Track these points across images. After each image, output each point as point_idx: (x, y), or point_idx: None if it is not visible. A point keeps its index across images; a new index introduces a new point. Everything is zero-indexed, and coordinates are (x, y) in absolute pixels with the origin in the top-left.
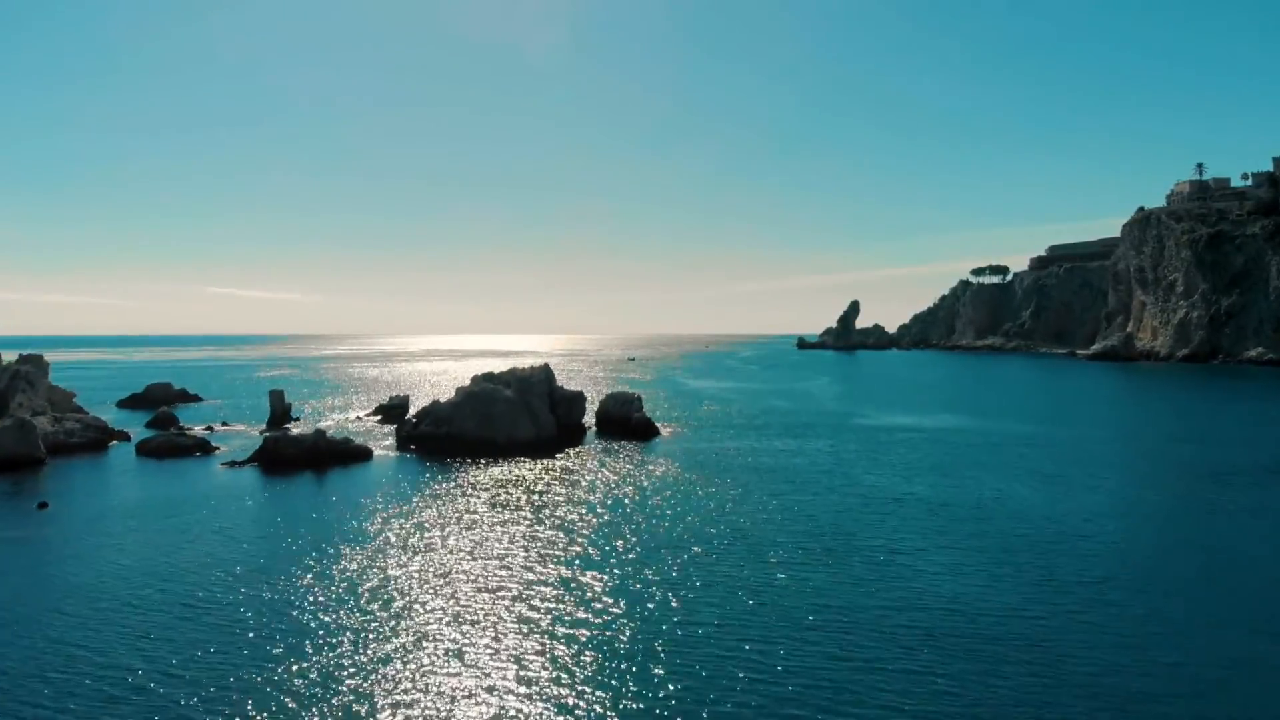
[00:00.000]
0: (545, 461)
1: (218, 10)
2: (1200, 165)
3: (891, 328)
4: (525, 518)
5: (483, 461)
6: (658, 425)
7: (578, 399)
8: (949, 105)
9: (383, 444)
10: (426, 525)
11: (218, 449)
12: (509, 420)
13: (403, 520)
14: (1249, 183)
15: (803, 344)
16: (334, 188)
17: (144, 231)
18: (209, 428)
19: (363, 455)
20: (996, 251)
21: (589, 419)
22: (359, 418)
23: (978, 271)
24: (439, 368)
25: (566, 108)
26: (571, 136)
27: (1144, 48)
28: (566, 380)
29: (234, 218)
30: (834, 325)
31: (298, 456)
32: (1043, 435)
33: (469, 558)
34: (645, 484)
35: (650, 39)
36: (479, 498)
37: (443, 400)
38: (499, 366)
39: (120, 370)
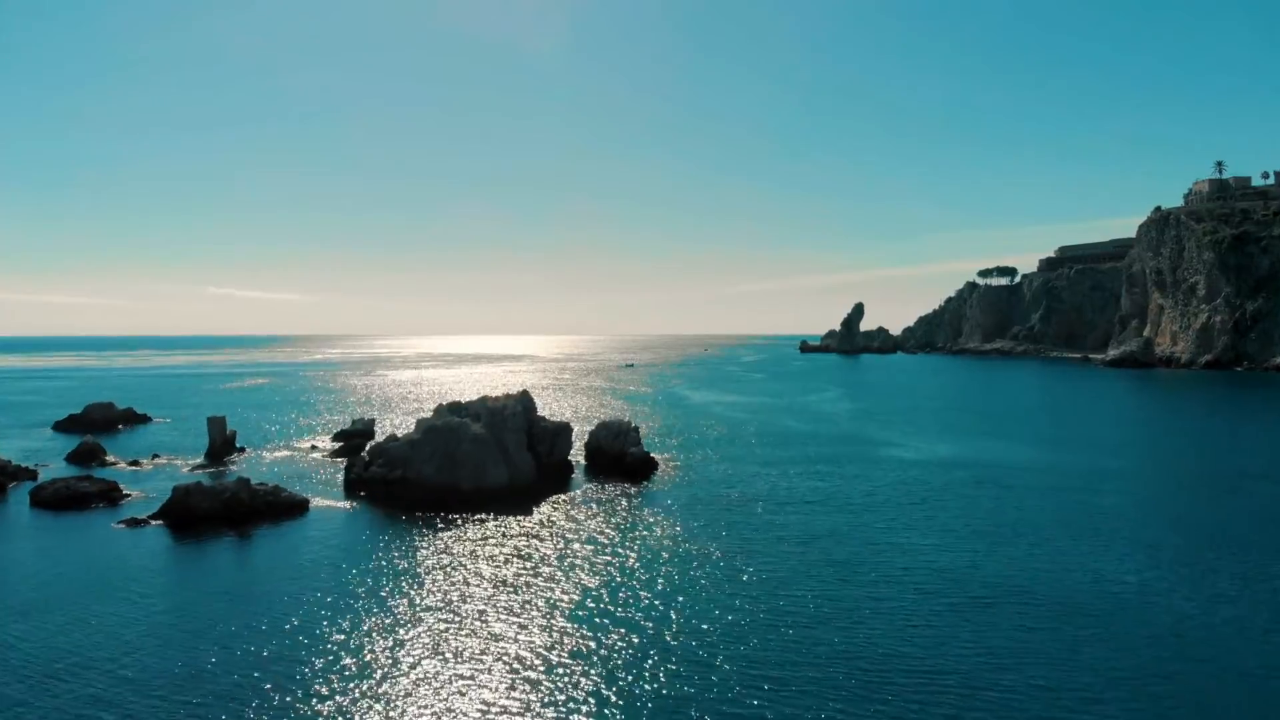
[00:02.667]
0: (519, 517)
1: (217, 11)
2: (1220, 164)
3: (894, 329)
4: (486, 604)
5: (442, 517)
6: (656, 459)
7: (562, 432)
8: (951, 104)
9: (328, 489)
10: (362, 620)
11: (127, 496)
12: (476, 462)
13: (331, 617)
14: (1270, 182)
15: (805, 347)
16: (334, 188)
17: (144, 232)
18: (135, 462)
19: (297, 509)
20: (1003, 252)
21: (576, 453)
22: (314, 447)
23: (985, 273)
24: (428, 376)
25: (567, 108)
26: (571, 136)
27: (1152, 47)
28: (558, 392)
29: (233, 218)
30: (837, 328)
31: (214, 512)
32: (1102, 472)
33: (413, 670)
34: (642, 550)
35: (650, 39)
36: (431, 576)
37: (403, 433)
38: (493, 372)
39: (85, 380)
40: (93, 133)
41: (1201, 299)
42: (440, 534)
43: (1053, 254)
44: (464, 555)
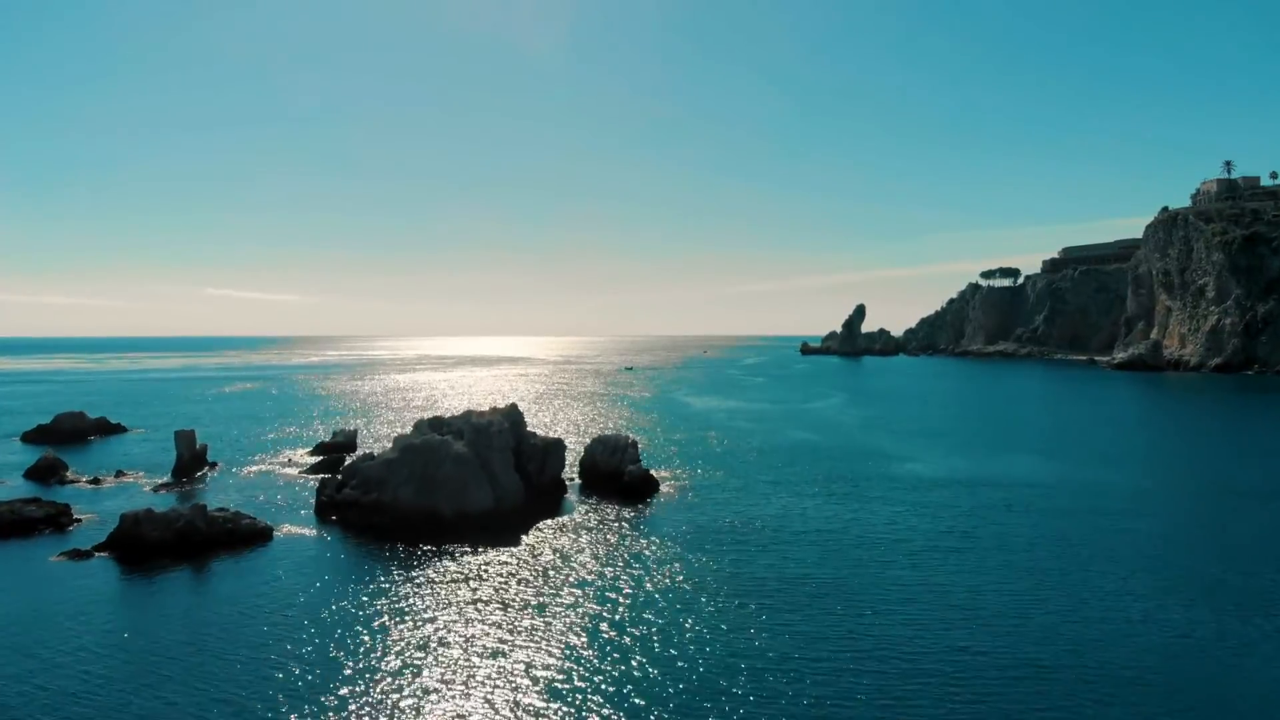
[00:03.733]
0: (504, 548)
1: (216, 12)
2: (1228, 163)
3: (895, 330)
4: (464, 650)
5: (420, 546)
6: (656, 476)
7: (554, 450)
8: (952, 104)
9: (297, 512)
10: (323, 667)
11: (78, 521)
12: (458, 485)
13: (289, 664)
14: None
15: (806, 349)
16: (334, 189)
17: (143, 233)
18: (95, 480)
19: (259, 537)
20: (1005, 253)
21: (571, 468)
22: (290, 461)
23: (987, 274)
24: (422, 380)
25: (567, 108)
26: (571, 137)
27: (1155, 47)
28: (553, 398)
29: (233, 219)
30: (838, 329)
31: (166, 542)
32: (1139, 492)
33: None
34: (638, 590)
35: (650, 40)
36: (403, 616)
37: (386, 447)
38: (488, 376)
39: (68, 385)
40: (92, 133)
41: (1211, 301)
42: (417, 566)
43: (1056, 255)
44: (442, 593)
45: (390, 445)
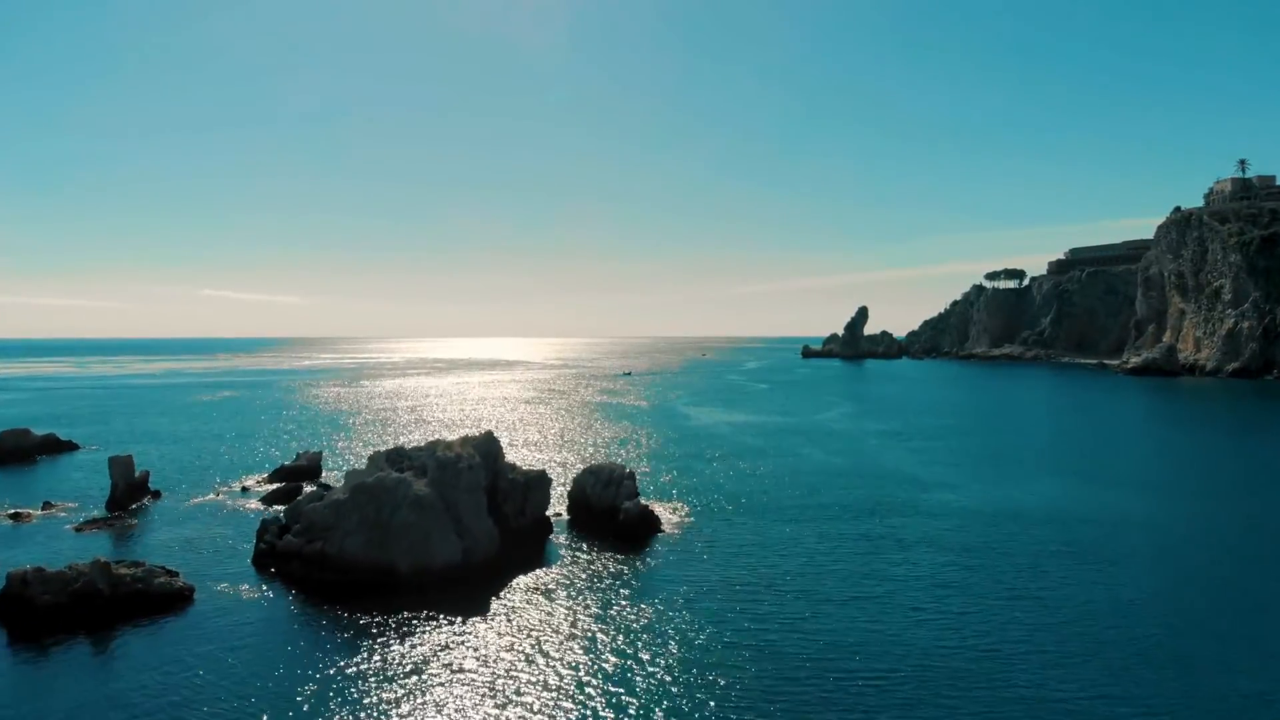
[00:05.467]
0: (472, 616)
1: (215, 12)
2: (1243, 162)
3: (897, 332)
4: None
5: (371, 614)
6: (657, 510)
7: (536, 485)
8: (953, 105)
9: (231, 562)
10: None
11: None
12: (419, 534)
13: None
14: None
15: (807, 352)
16: (333, 190)
17: (139, 234)
18: (17, 515)
19: (176, 600)
20: (1008, 254)
21: (558, 501)
22: (245, 488)
23: (992, 275)
24: (409, 387)
25: (567, 109)
26: (572, 138)
27: (1160, 47)
28: (543, 409)
29: (231, 219)
30: (840, 332)
31: (61, 607)
32: (1216, 530)
33: None
34: (636, 672)
35: (649, 41)
36: (342, 703)
37: (338, 482)
38: (479, 381)
39: (36, 394)
40: (91, 134)
41: (1228, 303)
42: (364, 639)
43: (1063, 256)
44: (391, 674)
45: (344, 479)
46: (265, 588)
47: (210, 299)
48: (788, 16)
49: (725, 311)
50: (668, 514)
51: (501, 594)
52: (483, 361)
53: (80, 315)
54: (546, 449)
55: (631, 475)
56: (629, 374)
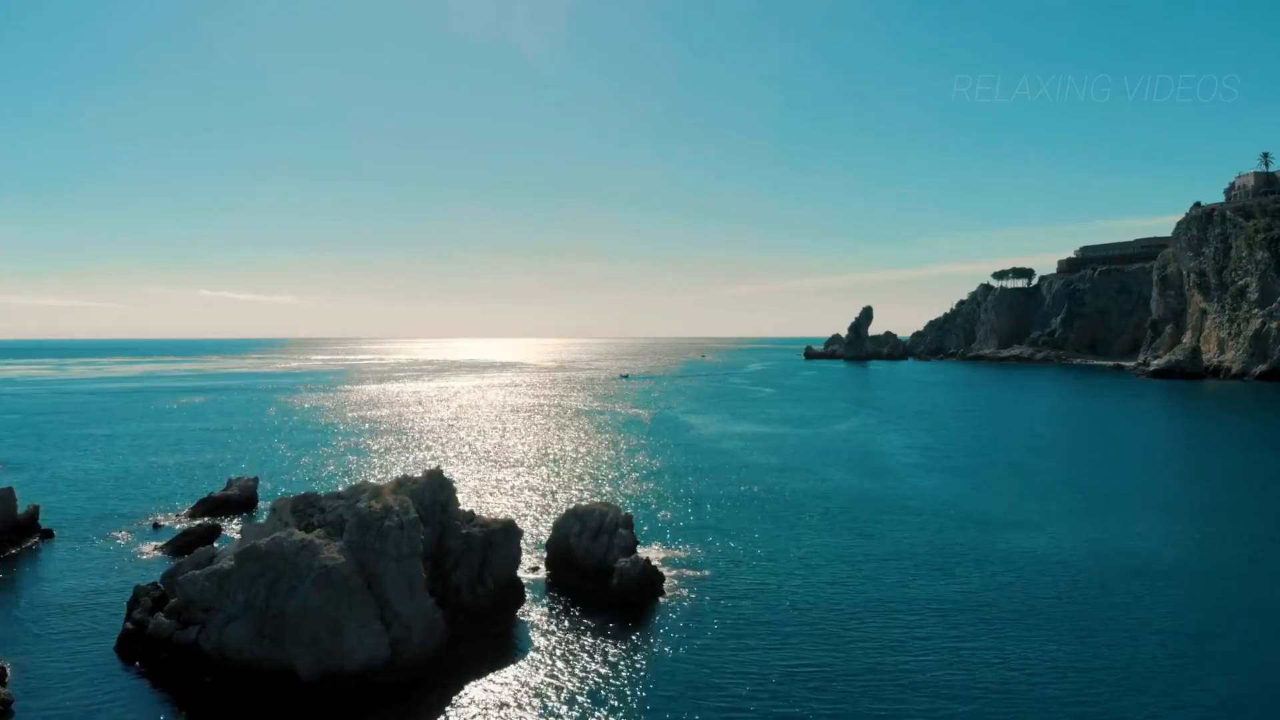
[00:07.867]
0: None
1: (215, 13)
2: (1266, 155)
3: (900, 332)
4: None
5: None
6: (658, 563)
7: (500, 540)
8: (956, 105)
9: (91, 646)
10: None
11: None
12: (326, 623)
13: None
14: None
15: (810, 353)
16: (332, 191)
17: (139, 234)
18: None
19: None
20: (1014, 253)
21: (532, 555)
22: (156, 525)
23: (1000, 274)
24: (392, 393)
25: (566, 110)
26: (571, 139)
27: (1164, 48)
28: (530, 418)
29: (229, 220)
30: (844, 333)
31: None
32: None
33: None
34: None
35: (649, 42)
36: None
37: (225, 550)
38: (469, 386)
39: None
40: (91, 135)
41: (1254, 303)
42: None
43: (1073, 254)
44: None
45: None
46: (117, 696)
47: (208, 299)
48: (790, 16)
49: (725, 312)
50: (671, 564)
51: (446, 709)
52: (474, 364)
53: (80, 316)
54: (523, 476)
55: (628, 521)
56: (626, 377)
